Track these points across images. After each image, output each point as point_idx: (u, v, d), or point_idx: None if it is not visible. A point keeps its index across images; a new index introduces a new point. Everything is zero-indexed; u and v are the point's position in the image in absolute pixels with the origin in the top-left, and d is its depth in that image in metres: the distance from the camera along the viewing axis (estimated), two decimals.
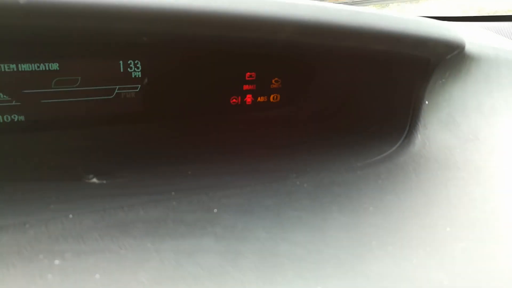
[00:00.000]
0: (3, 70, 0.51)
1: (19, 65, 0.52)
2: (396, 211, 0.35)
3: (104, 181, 0.38)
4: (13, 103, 0.53)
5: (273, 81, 0.66)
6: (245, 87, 0.65)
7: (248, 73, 0.65)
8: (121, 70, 0.58)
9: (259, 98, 0.66)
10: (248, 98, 0.66)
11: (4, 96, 0.53)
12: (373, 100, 0.57)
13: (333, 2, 0.99)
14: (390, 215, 0.34)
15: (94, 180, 0.38)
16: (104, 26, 0.32)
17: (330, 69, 0.65)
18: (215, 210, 0.32)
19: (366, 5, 1.10)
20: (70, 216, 0.30)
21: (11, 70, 0.52)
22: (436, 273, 0.27)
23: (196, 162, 0.44)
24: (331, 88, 0.64)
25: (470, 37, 0.59)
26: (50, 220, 0.29)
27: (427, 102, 0.51)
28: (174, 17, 0.31)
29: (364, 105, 0.58)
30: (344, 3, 1.09)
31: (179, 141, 0.55)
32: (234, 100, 0.65)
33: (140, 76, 0.59)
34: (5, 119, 0.54)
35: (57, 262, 0.25)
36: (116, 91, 0.58)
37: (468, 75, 0.58)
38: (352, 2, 1.08)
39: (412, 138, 0.48)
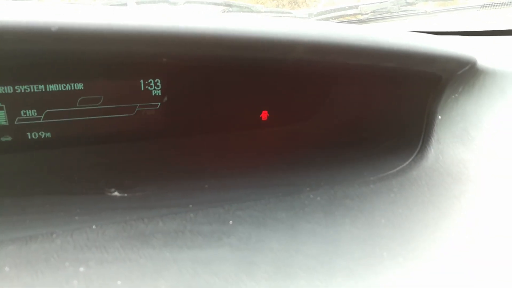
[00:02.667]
0: (32, 90, 0.55)
1: (47, 85, 0.55)
2: (408, 224, 0.35)
3: (125, 195, 0.40)
4: (41, 120, 0.56)
5: (287, 97, 0.68)
6: (261, 103, 0.67)
7: (264, 90, 0.67)
8: (142, 89, 0.60)
9: (274, 114, 0.67)
10: (264, 115, 0.68)
11: (33, 114, 0.56)
12: (386, 115, 0.58)
13: (348, 20, 1.01)
14: (402, 227, 0.35)
15: (116, 193, 0.40)
16: (126, 49, 0.34)
17: (343, 85, 0.66)
18: (231, 222, 0.33)
19: (381, 22, 1.12)
20: (94, 227, 0.32)
21: (40, 90, 0.55)
22: (447, 285, 0.28)
23: (212, 177, 0.46)
24: (345, 104, 0.65)
25: (484, 52, 0.60)
26: (75, 231, 0.31)
27: (440, 117, 0.51)
28: (191, 40, 0.33)
29: (377, 120, 0.59)
30: (358, 20, 1.10)
31: (196, 157, 0.57)
32: (249, 116, 0.67)
33: (160, 94, 0.61)
34: (33, 136, 0.57)
35: (82, 269, 0.27)
36: (137, 108, 0.61)
37: (483, 89, 0.58)
38: (367, 19, 1.09)
39: (425, 153, 0.49)
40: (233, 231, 0.32)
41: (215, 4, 0.87)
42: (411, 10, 1.06)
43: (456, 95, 0.52)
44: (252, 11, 0.93)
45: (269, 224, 0.34)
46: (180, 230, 0.32)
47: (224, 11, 0.91)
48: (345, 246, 0.31)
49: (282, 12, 1.09)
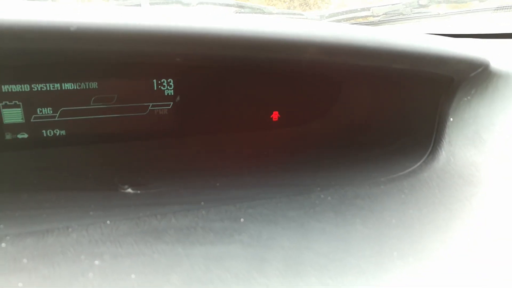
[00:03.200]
0: (48, 89, 0.56)
1: (63, 84, 0.56)
2: (418, 225, 0.35)
3: (139, 192, 0.40)
4: (56, 118, 0.58)
5: (299, 98, 0.68)
6: (272, 104, 0.68)
7: (275, 91, 0.67)
8: (155, 88, 0.61)
9: (285, 115, 0.68)
10: (275, 115, 0.68)
11: (49, 112, 0.57)
12: (397, 116, 0.58)
13: (360, 22, 1.00)
14: (412, 228, 0.35)
15: (129, 190, 0.41)
16: (140, 49, 0.35)
17: (355, 86, 0.66)
18: (242, 220, 0.34)
19: (393, 24, 1.11)
20: (108, 222, 0.33)
21: (56, 89, 0.56)
22: (455, 286, 0.28)
23: (224, 175, 0.46)
24: (356, 105, 0.65)
25: (497, 54, 0.59)
26: (90, 225, 0.32)
27: (452, 119, 0.51)
28: (206, 40, 0.33)
29: (388, 121, 0.59)
30: (370, 22, 1.10)
31: (209, 155, 0.58)
32: (260, 117, 0.67)
33: (172, 94, 0.62)
34: (48, 134, 0.58)
35: (97, 262, 0.27)
36: (149, 108, 0.62)
37: (496, 92, 0.58)
38: (379, 21, 1.09)
39: (436, 154, 0.49)
40: (244, 229, 0.33)
41: (228, 5, 0.88)
42: (424, 13, 1.06)
43: (469, 97, 0.52)
44: (264, 13, 0.94)
45: (280, 222, 0.34)
46: (192, 226, 0.32)
47: (236, 12, 0.92)
48: (355, 245, 0.31)
49: (294, 14, 1.09)
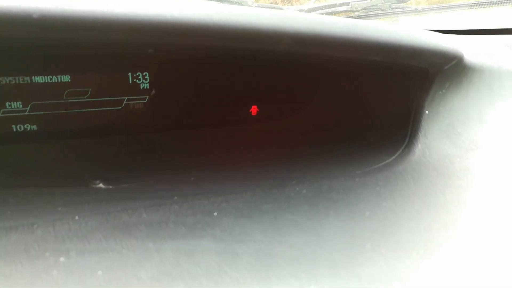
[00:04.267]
0: (18, 82, 0.54)
1: (33, 77, 0.55)
2: (392, 216, 0.35)
3: (110, 187, 0.39)
4: (26, 113, 0.56)
5: (277, 92, 0.68)
6: (249, 98, 0.67)
7: (252, 85, 0.66)
8: (130, 82, 0.60)
9: (263, 109, 0.67)
10: (253, 109, 0.68)
11: (18, 106, 0.55)
12: (373, 110, 0.58)
13: (340, 16, 1.01)
14: (386, 220, 0.35)
15: (101, 185, 0.40)
16: (110, 38, 0.34)
17: (331, 80, 0.66)
18: (215, 214, 0.33)
19: (371, 19, 1.12)
20: (76, 218, 0.32)
21: (25, 82, 0.54)
22: (428, 274, 0.28)
23: (199, 170, 0.46)
24: (334, 99, 0.65)
25: (472, 49, 0.60)
26: (57, 221, 0.31)
27: (427, 112, 0.51)
28: (177, 29, 0.32)
29: (364, 115, 0.59)
30: (350, 17, 1.11)
31: (183, 150, 0.57)
32: (238, 111, 0.67)
33: (148, 87, 0.60)
34: (18, 129, 0.56)
35: (62, 259, 0.26)
36: (124, 102, 0.60)
37: (470, 86, 0.59)
38: (358, 16, 1.10)
39: (412, 147, 0.49)
40: (217, 223, 0.32)
41: None
42: (402, 8, 1.07)
43: (444, 90, 0.53)
44: (242, 4, 0.93)
45: (253, 216, 0.34)
46: (164, 221, 0.32)
47: (213, 1, 0.90)
48: (328, 238, 0.31)
49: (273, 8, 1.09)
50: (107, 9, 0.31)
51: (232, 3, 0.91)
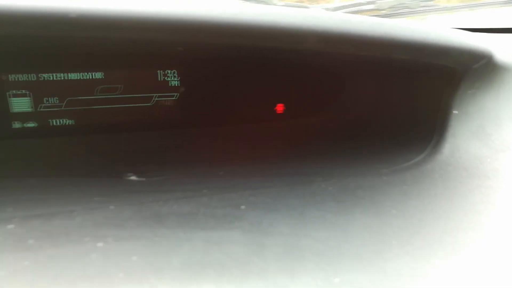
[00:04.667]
0: (54, 78, 0.56)
1: (68, 74, 0.57)
2: (419, 215, 0.35)
3: (143, 179, 0.41)
4: (62, 108, 0.58)
5: (303, 91, 0.68)
6: (276, 96, 0.68)
7: (279, 83, 0.67)
8: (159, 79, 0.62)
9: (289, 107, 0.68)
10: (279, 107, 0.68)
11: (55, 102, 0.58)
12: (400, 108, 0.58)
13: (366, 15, 1.00)
14: (413, 218, 0.35)
15: (133, 177, 0.41)
16: (143, 37, 0.35)
17: (358, 79, 0.66)
18: (243, 207, 0.34)
19: (399, 17, 1.11)
20: (112, 207, 0.33)
21: (61, 78, 0.57)
22: (454, 273, 0.28)
23: (228, 164, 0.47)
24: (360, 98, 0.65)
25: (503, 48, 0.59)
26: (94, 210, 0.32)
27: (456, 112, 0.51)
28: (205, 28, 0.34)
29: (392, 114, 0.59)
30: (376, 15, 1.10)
31: (212, 145, 0.58)
32: (264, 108, 0.68)
33: (177, 85, 0.62)
34: (55, 123, 0.59)
35: (100, 244, 0.28)
36: (155, 99, 0.62)
37: (501, 85, 0.57)
38: (385, 15, 1.08)
39: (440, 147, 0.49)
40: (245, 216, 0.33)
41: None
42: (430, 6, 1.05)
43: (473, 90, 0.52)
44: (268, 4, 0.93)
45: (280, 210, 0.34)
46: (194, 212, 0.33)
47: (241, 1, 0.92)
48: (354, 233, 0.32)
49: (299, 7, 1.09)
50: (140, 9, 0.32)
51: (258, 1, 0.92)
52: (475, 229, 0.35)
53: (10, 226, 0.30)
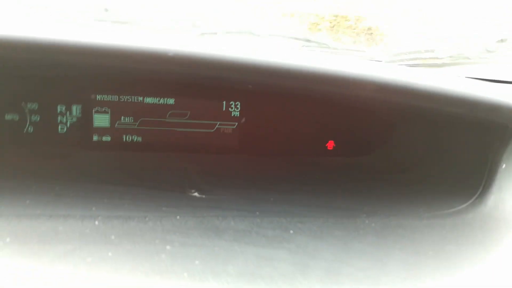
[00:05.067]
0: (133, 101, 0.64)
1: (145, 98, 0.65)
2: (454, 259, 0.38)
3: (203, 196, 0.46)
4: (136, 126, 0.66)
5: (354, 130, 0.72)
6: (327, 133, 0.72)
7: (331, 122, 0.71)
8: (223, 109, 0.68)
9: (340, 145, 0.72)
10: (330, 144, 0.72)
11: (130, 121, 0.66)
12: (448, 157, 0.59)
13: (423, 63, 1.02)
14: (448, 261, 0.37)
15: (196, 194, 0.47)
16: (220, 75, 0.42)
17: (408, 124, 0.69)
18: (291, 231, 0.38)
19: (457, 66, 1.11)
20: (178, 217, 0.38)
21: (139, 101, 0.65)
22: None
23: (278, 192, 0.51)
24: (409, 142, 0.68)
25: None
26: (163, 218, 0.38)
27: (504, 166, 0.52)
28: (275, 72, 0.39)
29: (439, 162, 0.61)
30: (435, 64, 1.11)
31: (266, 173, 0.63)
32: (315, 143, 0.72)
33: (238, 115, 0.68)
34: (127, 139, 0.66)
35: (168, 247, 0.33)
36: (216, 126, 0.68)
37: None
38: (443, 64, 1.10)
39: (484, 199, 0.50)
40: (293, 239, 0.37)
41: (296, 38, 0.94)
42: (491, 58, 1.05)
43: None
44: (329, 47, 0.99)
45: (325, 239, 0.38)
46: (248, 230, 0.37)
47: (303, 46, 0.98)
48: (391, 267, 0.34)
49: (358, 51, 1.13)
50: (215, 52, 0.39)
51: (320, 44, 0.97)
52: (507, 276, 0.36)
53: (96, 223, 0.36)
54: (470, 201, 0.50)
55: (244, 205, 0.44)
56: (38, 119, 0.61)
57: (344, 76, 0.40)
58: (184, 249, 0.33)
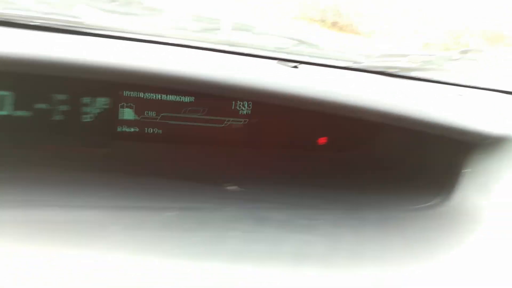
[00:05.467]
0: (155, 98, 0.73)
1: (167, 95, 0.73)
2: (430, 246, 0.51)
3: (242, 189, 0.57)
4: (157, 120, 0.74)
5: (346, 129, 0.84)
6: (323, 132, 0.84)
7: (327, 126, 0.83)
8: (232, 108, 0.78)
9: (332, 141, 0.84)
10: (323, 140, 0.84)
11: (153, 115, 0.74)
12: (423, 159, 0.73)
13: (396, 67, 1.13)
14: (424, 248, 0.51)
15: (234, 187, 0.57)
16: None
17: (391, 132, 0.82)
18: (321, 220, 0.50)
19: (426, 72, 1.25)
20: (228, 209, 0.49)
21: (161, 99, 0.73)
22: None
23: (302, 186, 0.63)
24: (390, 145, 0.81)
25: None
26: (217, 210, 0.48)
27: (469, 170, 0.66)
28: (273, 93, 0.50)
29: (416, 162, 0.75)
30: (408, 67, 1.24)
31: (273, 166, 0.74)
32: (312, 140, 0.84)
33: (245, 113, 0.78)
34: (149, 131, 0.75)
35: (231, 234, 0.43)
36: (226, 122, 0.78)
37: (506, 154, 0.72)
38: (415, 68, 1.23)
39: (451, 196, 0.64)
40: (317, 227, 0.48)
41: (291, 39, 1.04)
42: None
43: (482, 155, 0.67)
44: (318, 48, 1.09)
45: (342, 227, 0.50)
46: (286, 220, 0.48)
47: (296, 45, 1.07)
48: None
49: (340, 53, 1.24)
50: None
51: (310, 45, 1.07)
52: (465, 257, 0.50)
53: (169, 214, 0.45)
54: (440, 198, 0.64)
55: (277, 198, 0.55)
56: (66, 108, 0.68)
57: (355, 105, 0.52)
58: (244, 236, 0.43)
